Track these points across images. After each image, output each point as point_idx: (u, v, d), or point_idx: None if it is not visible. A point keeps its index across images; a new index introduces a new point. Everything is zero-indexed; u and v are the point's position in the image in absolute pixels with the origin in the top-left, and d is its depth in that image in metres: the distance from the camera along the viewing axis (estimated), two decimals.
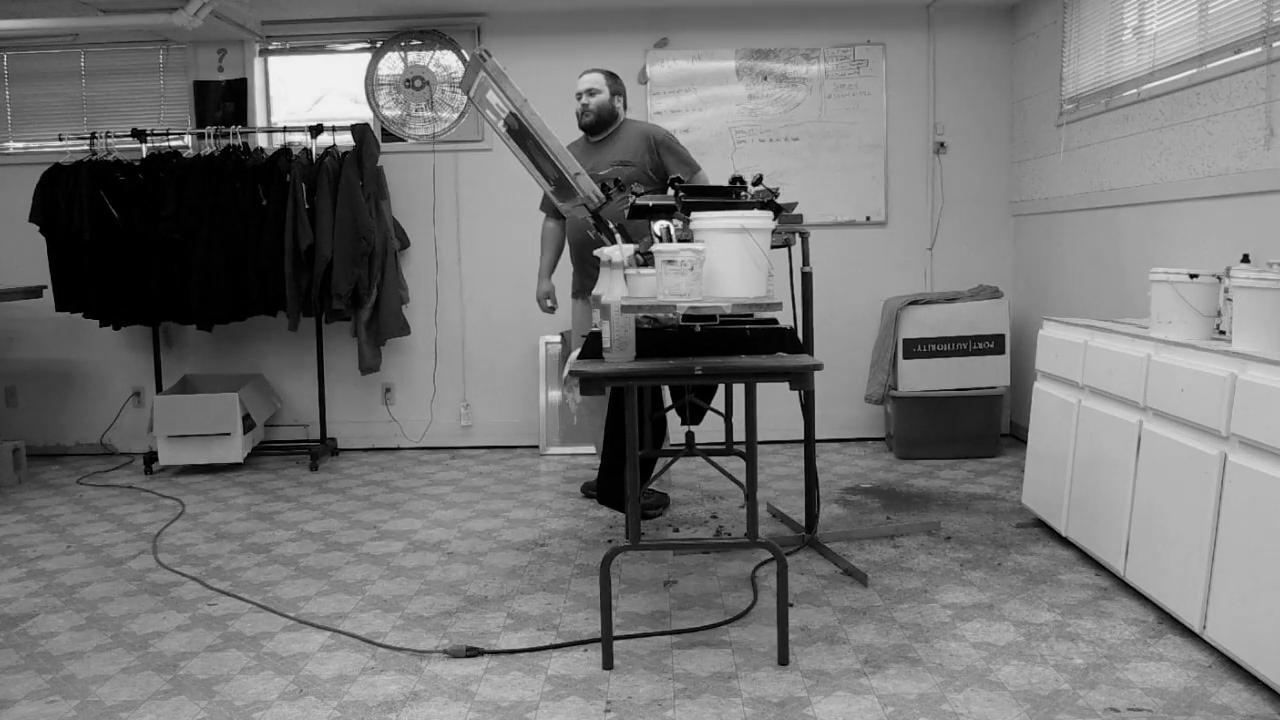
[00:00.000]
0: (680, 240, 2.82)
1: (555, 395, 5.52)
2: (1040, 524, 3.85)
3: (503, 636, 2.91)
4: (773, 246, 3.71)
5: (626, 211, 3.17)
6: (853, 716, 2.38)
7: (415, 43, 5.54)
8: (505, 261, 5.60)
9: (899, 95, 5.52)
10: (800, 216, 3.47)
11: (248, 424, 5.21)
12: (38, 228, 5.22)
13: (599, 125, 4.19)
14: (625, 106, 4.31)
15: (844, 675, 2.59)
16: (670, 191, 3.13)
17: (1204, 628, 2.65)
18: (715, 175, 4.64)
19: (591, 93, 4.18)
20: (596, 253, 3.18)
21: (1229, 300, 2.80)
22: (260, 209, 5.13)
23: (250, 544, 3.90)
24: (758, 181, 3.65)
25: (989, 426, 5.08)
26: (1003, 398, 5.15)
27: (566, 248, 4.37)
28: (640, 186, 3.48)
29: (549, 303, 4.43)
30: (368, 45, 5.60)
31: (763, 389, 4.54)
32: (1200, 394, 2.70)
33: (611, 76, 4.24)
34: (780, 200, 3.46)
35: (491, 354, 5.67)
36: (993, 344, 5.06)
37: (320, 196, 5.11)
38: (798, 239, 3.55)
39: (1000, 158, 5.57)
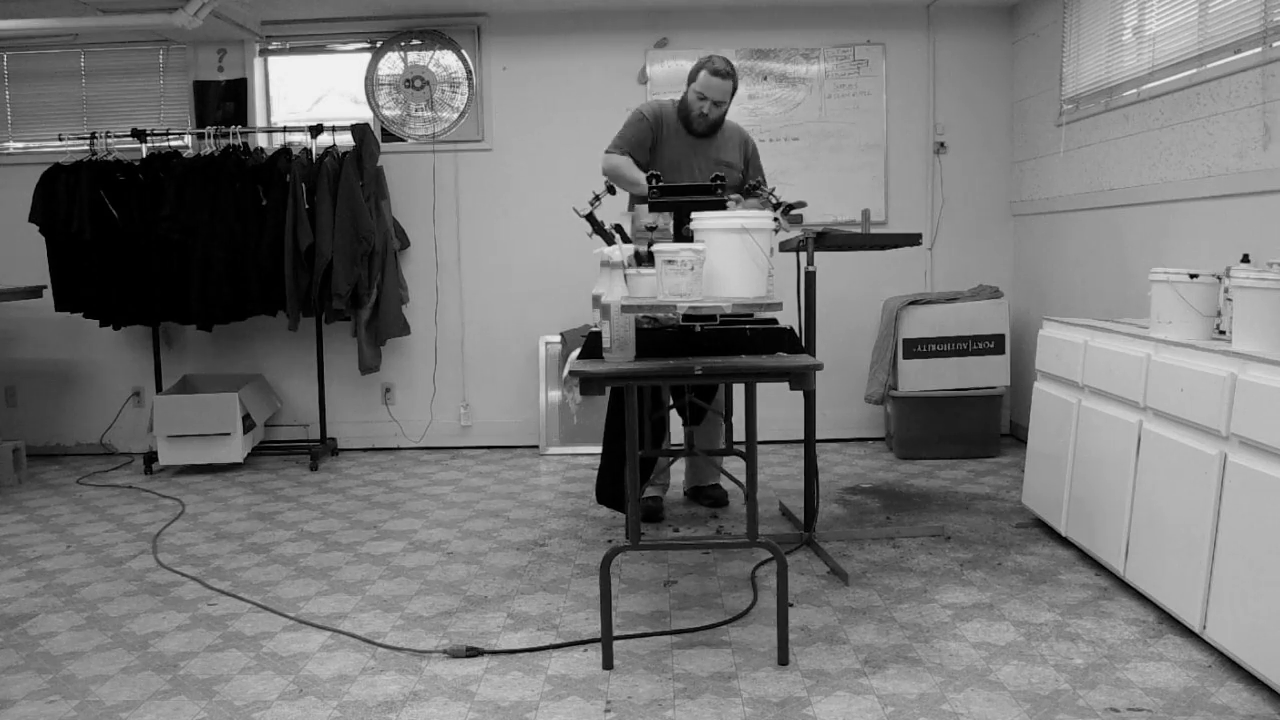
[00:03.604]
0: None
1: (555, 395, 5.52)
2: (1040, 524, 3.85)
3: (503, 636, 2.91)
4: (788, 249, 3.73)
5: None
6: (853, 716, 2.38)
7: (415, 43, 5.54)
8: (505, 261, 5.60)
9: (899, 95, 5.52)
10: (800, 217, 3.47)
11: (248, 424, 5.22)
12: (38, 228, 5.22)
13: (709, 132, 3.98)
14: None
15: (844, 675, 2.59)
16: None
17: (1204, 628, 2.65)
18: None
19: (719, 104, 3.90)
20: (596, 252, 3.19)
21: (1229, 300, 2.80)
22: (260, 209, 5.13)
23: (250, 544, 3.90)
24: (756, 187, 3.67)
25: (989, 426, 5.08)
26: (1003, 398, 5.15)
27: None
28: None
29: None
30: (368, 45, 5.60)
31: (763, 389, 4.54)
32: (1200, 394, 2.70)
33: (735, 84, 3.94)
34: (788, 200, 3.47)
35: (491, 354, 5.67)
36: (993, 344, 5.06)
37: (320, 196, 5.11)
38: (810, 243, 3.55)
39: (1000, 158, 5.57)
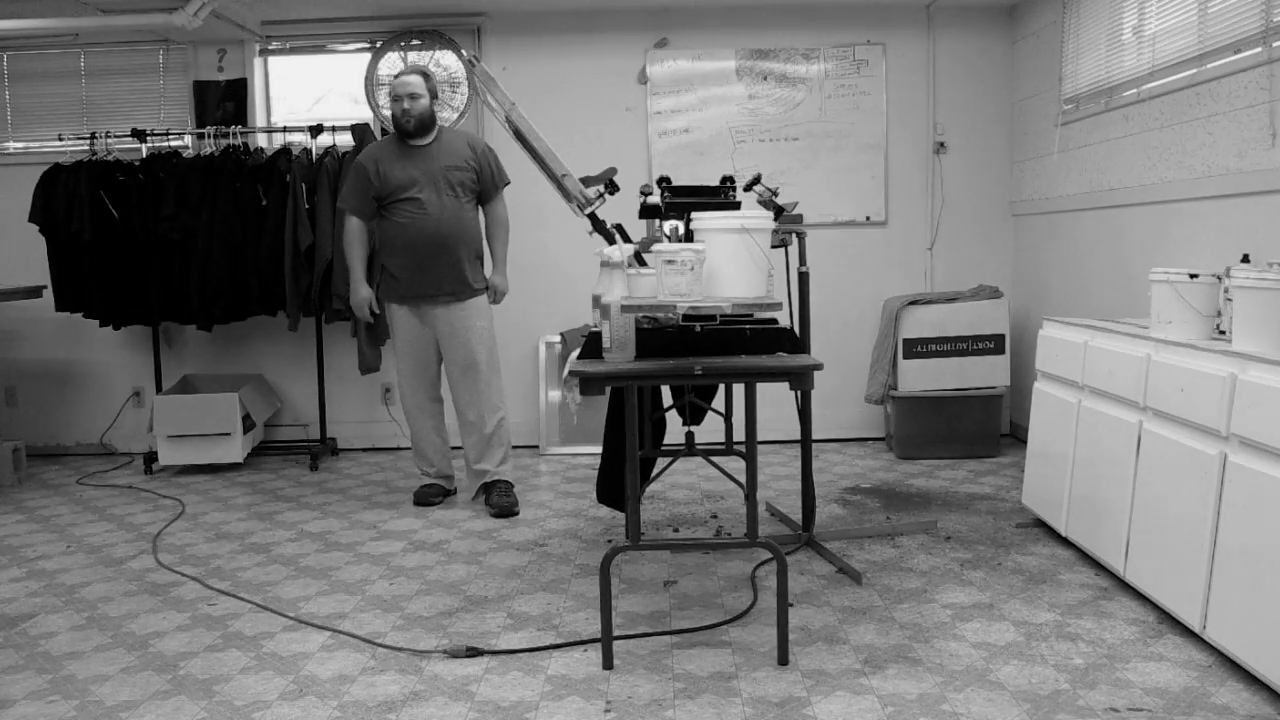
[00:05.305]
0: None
1: (555, 395, 5.52)
2: (1040, 524, 3.85)
3: (503, 636, 2.91)
4: (771, 246, 3.72)
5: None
6: (853, 716, 2.38)
7: (415, 43, 5.54)
8: None
9: (899, 95, 5.52)
10: (800, 216, 3.47)
11: (248, 424, 5.21)
12: (38, 228, 5.22)
13: (421, 130, 4.15)
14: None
15: (844, 675, 2.60)
16: (657, 192, 3.13)
17: (1204, 628, 2.65)
18: (715, 176, 4.63)
19: (414, 97, 4.10)
20: (596, 252, 3.18)
21: (1229, 300, 2.80)
22: (260, 209, 5.13)
23: (250, 544, 3.90)
24: (756, 181, 3.66)
25: (989, 426, 5.08)
26: (1003, 398, 5.14)
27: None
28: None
29: (371, 309, 4.35)
30: (368, 45, 5.60)
31: (762, 389, 4.54)
32: (1200, 394, 2.70)
33: (428, 77, 4.18)
34: (780, 200, 3.47)
35: None
36: (993, 344, 5.06)
37: (320, 196, 5.11)
38: (794, 239, 3.55)
39: (1000, 158, 5.57)
